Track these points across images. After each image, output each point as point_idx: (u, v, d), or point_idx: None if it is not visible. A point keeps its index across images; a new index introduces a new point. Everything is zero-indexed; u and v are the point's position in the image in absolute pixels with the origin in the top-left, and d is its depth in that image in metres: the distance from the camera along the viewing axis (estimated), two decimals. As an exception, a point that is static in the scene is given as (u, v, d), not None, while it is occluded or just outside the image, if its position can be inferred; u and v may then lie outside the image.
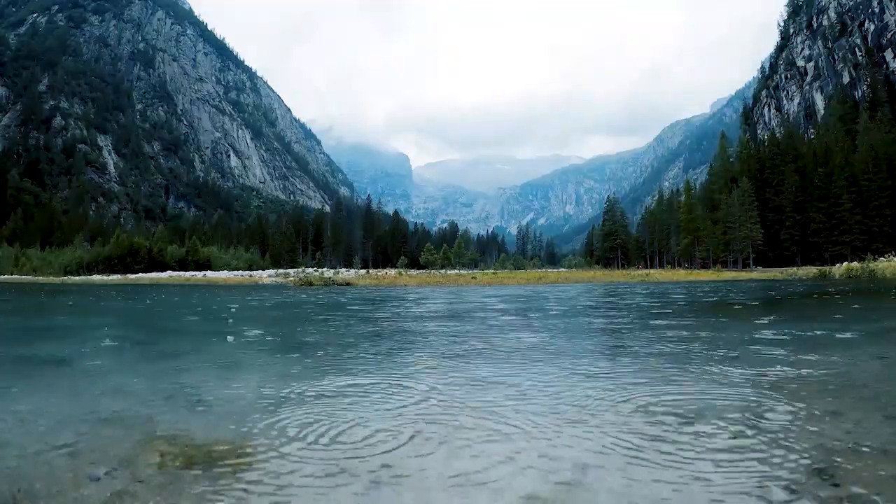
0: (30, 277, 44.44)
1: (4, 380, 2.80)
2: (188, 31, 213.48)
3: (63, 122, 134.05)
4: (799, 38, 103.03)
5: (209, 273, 42.64)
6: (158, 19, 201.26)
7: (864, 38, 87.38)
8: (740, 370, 2.74)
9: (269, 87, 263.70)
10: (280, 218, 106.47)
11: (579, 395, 2.23)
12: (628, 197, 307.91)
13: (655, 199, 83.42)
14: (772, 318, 5.98)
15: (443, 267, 70.06)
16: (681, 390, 2.30)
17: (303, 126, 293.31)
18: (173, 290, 18.96)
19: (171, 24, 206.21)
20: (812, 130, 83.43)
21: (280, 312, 8.50)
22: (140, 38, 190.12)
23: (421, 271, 49.73)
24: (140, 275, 41.47)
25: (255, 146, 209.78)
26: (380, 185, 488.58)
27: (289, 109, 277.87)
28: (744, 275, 31.69)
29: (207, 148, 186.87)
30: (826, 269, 27.27)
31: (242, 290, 18.49)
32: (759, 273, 34.85)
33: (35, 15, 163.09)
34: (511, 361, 3.21)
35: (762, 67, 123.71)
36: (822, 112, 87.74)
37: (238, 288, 20.50)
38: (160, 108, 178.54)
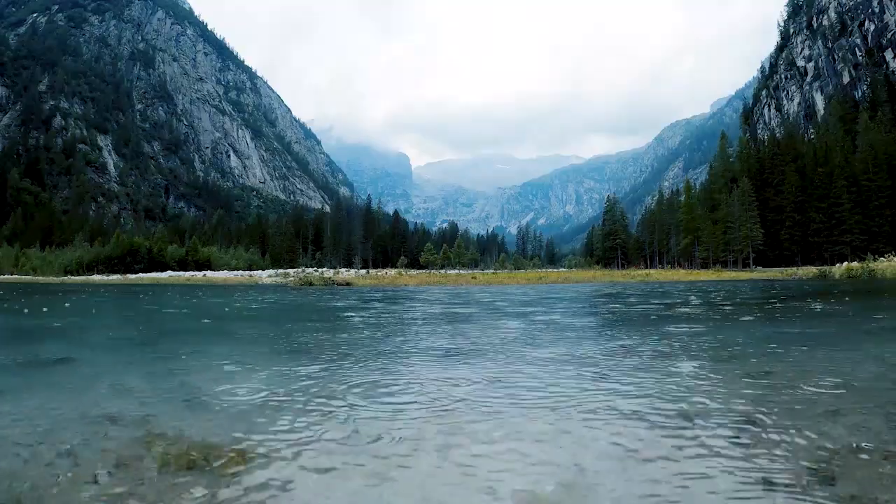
0: (30, 277, 44.46)
1: (5, 380, 2.81)
2: (188, 31, 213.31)
3: (63, 122, 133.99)
4: (799, 38, 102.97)
5: (209, 273, 42.67)
6: (158, 19, 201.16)
7: (864, 38, 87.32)
8: (738, 366, 2.74)
9: (268, 87, 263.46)
10: (280, 218, 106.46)
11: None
12: (628, 197, 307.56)
13: (655, 199, 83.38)
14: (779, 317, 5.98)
15: (443, 267, 70.05)
16: (679, 387, 2.31)
17: (303, 126, 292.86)
18: (174, 290, 18.95)
19: (171, 24, 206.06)
20: (812, 130, 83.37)
21: (279, 313, 8.51)
22: (140, 38, 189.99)
23: (421, 271, 49.81)
24: (140, 275, 41.48)
25: (255, 146, 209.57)
26: (380, 185, 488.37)
27: (289, 109, 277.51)
28: (744, 275, 31.69)
29: (207, 148, 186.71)
30: (826, 269, 27.24)
31: (240, 289, 18.47)
32: (759, 273, 34.83)
33: (35, 15, 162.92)
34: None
35: (762, 67, 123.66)
36: (822, 112, 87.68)
37: (237, 287, 20.48)
38: (160, 108, 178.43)
